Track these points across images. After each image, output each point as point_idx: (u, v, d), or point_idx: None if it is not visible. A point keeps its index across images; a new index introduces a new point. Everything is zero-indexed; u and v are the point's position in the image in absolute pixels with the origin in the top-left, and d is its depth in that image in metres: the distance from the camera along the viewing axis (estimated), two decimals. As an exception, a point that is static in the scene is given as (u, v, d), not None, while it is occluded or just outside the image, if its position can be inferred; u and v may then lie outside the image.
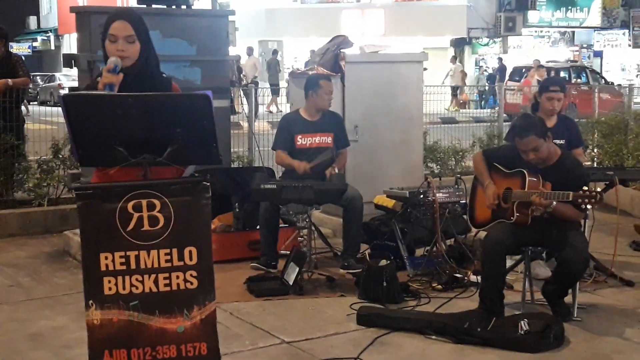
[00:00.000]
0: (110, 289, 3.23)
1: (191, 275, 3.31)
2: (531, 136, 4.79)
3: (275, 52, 25.29)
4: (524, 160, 4.90)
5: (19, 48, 38.56)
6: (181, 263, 3.29)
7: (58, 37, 40.33)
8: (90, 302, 3.22)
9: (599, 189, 4.68)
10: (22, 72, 8.37)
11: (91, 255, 3.23)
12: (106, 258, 3.22)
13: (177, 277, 3.29)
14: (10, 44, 10.57)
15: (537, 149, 4.81)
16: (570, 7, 30.76)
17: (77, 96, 3.41)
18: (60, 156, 7.94)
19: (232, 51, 9.97)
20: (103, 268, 3.22)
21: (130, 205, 3.23)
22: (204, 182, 3.32)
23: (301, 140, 6.26)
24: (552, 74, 19.49)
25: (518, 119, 5.26)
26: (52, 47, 42.07)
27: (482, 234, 5.31)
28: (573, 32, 32.26)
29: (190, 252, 3.30)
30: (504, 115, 11.64)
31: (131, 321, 3.25)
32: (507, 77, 24.28)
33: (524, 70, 23.70)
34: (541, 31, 31.37)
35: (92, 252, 3.23)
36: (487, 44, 30.30)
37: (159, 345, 3.28)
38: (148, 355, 3.27)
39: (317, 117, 6.32)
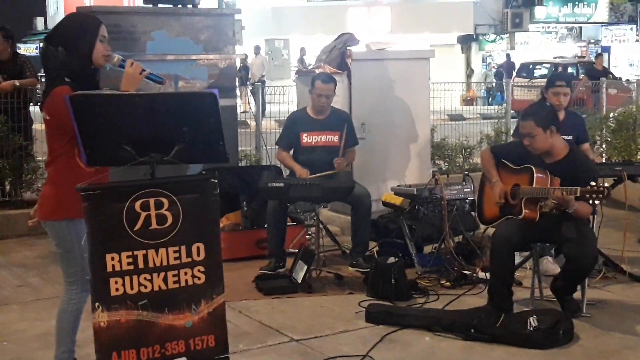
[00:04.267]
0: (117, 289, 3.22)
1: (199, 270, 3.32)
2: (529, 121, 4.82)
3: (302, 49, 24.97)
4: (532, 156, 4.89)
5: (27, 49, 38.52)
6: (189, 259, 3.30)
7: (65, 37, 40.27)
8: (97, 304, 3.21)
9: (607, 185, 4.66)
10: (30, 73, 8.38)
11: (97, 257, 3.22)
12: (112, 259, 3.21)
13: (186, 273, 3.30)
14: (18, 45, 10.59)
15: (532, 136, 4.82)
16: (577, 3, 30.62)
17: (84, 96, 3.42)
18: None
19: (239, 50, 9.96)
20: (109, 269, 3.21)
21: (137, 204, 3.23)
22: (212, 179, 3.33)
23: (307, 139, 6.24)
24: (560, 69, 19.38)
25: (531, 105, 5.31)
26: (60, 48, 42.04)
27: (491, 230, 5.30)
28: (580, 28, 32.11)
29: (197, 247, 3.31)
30: (512, 111, 11.58)
31: (140, 320, 3.25)
32: (514, 74, 24.13)
33: (531, 66, 23.58)
34: (548, 27, 31.23)
35: (98, 253, 3.22)
36: (494, 41, 30.20)
37: (168, 342, 3.29)
38: (157, 352, 3.28)
39: (324, 115, 6.28)
